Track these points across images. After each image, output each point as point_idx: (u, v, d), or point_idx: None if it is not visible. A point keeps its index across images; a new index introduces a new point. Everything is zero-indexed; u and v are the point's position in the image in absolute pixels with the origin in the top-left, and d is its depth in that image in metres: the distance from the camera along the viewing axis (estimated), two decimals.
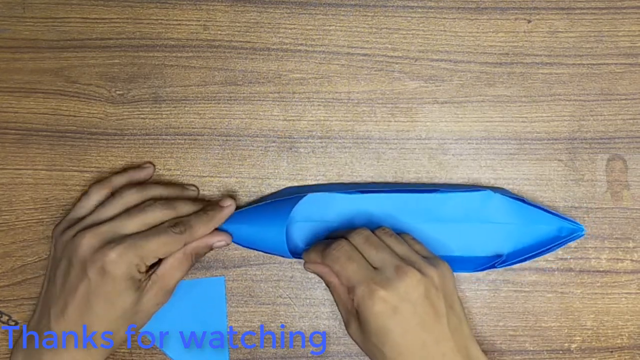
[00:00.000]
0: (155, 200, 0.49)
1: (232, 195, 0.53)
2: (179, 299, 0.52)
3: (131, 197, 0.49)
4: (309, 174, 0.53)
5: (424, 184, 0.53)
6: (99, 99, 0.53)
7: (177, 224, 0.48)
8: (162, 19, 0.53)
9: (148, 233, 0.47)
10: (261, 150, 0.53)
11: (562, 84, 0.53)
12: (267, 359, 0.53)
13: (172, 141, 0.53)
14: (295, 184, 0.53)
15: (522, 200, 0.51)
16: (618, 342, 0.53)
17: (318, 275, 0.48)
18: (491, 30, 0.53)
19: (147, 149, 0.53)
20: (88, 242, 0.46)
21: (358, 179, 0.53)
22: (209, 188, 0.53)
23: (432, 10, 0.53)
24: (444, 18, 0.53)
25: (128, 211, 0.48)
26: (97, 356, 0.47)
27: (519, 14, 0.53)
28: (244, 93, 0.53)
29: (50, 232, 0.51)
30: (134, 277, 0.46)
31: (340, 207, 0.52)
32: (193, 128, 0.53)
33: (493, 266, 0.50)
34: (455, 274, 0.48)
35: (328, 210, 0.52)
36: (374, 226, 0.49)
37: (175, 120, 0.53)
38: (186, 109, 0.53)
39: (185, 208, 0.49)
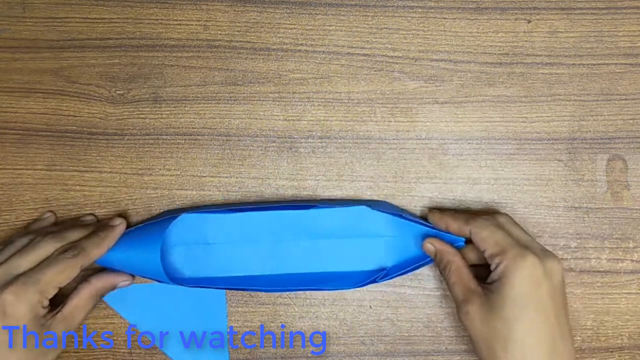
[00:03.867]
0: (43, 235, 0.48)
1: (122, 215, 0.52)
2: (179, 299, 0.52)
3: (21, 241, 0.48)
4: (309, 174, 0.53)
5: (305, 201, 0.53)
6: (99, 99, 0.53)
7: (68, 249, 0.47)
8: (162, 19, 0.53)
9: (41, 265, 0.46)
10: (261, 150, 0.53)
11: (562, 84, 0.53)
12: (267, 359, 0.53)
13: (172, 141, 0.53)
14: (295, 184, 0.53)
15: (399, 215, 0.50)
16: (618, 342, 0.53)
17: (434, 252, 0.48)
18: (491, 30, 0.53)
19: (147, 149, 0.53)
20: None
21: (358, 179, 0.53)
22: (209, 188, 0.53)
23: (432, 10, 0.53)
24: (444, 18, 0.53)
25: (19, 251, 0.47)
26: None
27: (519, 14, 0.53)
28: (244, 93, 0.53)
29: None
30: (37, 315, 0.45)
31: (218, 227, 0.51)
32: (193, 128, 0.53)
33: (374, 280, 0.50)
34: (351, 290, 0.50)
35: (205, 231, 0.51)
36: (254, 244, 0.50)
37: (175, 120, 0.53)
38: (186, 109, 0.53)
39: (75, 234, 0.49)
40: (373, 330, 0.53)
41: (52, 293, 0.46)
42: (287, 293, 0.53)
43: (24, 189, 0.53)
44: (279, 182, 0.53)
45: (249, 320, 0.53)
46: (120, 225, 0.50)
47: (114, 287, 0.50)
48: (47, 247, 0.47)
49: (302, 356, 0.53)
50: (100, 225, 0.50)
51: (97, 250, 0.48)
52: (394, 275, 0.50)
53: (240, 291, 0.52)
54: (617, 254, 0.53)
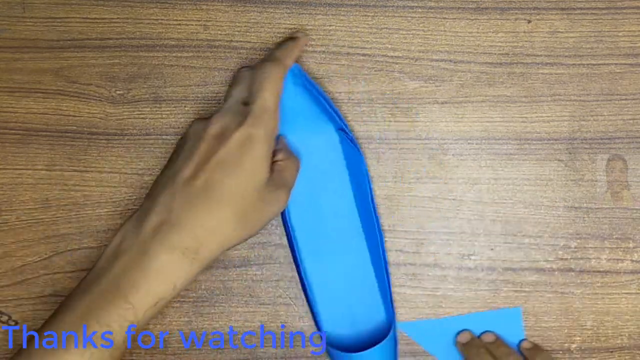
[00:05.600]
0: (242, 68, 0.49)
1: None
2: None
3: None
4: None
5: None
6: (99, 99, 0.53)
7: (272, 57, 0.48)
8: (162, 19, 0.53)
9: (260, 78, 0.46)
10: None
11: (562, 84, 0.53)
12: (267, 359, 0.53)
13: (172, 141, 0.53)
14: None
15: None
16: (618, 342, 0.53)
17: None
18: (491, 30, 0.53)
19: (147, 149, 0.53)
20: (220, 120, 0.45)
21: None
22: None
23: (432, 10, 0.53)
24: (444, 18, 0.53)
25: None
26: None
27: (519, 14, 0.53)
28: None
29: (50, 232, 0.52)
30: (269, 153, 0.45)
31: None
32: None
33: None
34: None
35: None
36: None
37: (175, 120, 0.53)
38: (186, 109, 0.53)
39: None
40: None
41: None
42: (287, 292, 0.53)
43: (24, 189, 0.53)
44: None
45: (249, 320, 0.53)
46: (305, 38, 0.51)
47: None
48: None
49: (302, 356, 0.53)
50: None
51: (290, 59, 0.48)
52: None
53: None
54: (617, 254, 0.53)
